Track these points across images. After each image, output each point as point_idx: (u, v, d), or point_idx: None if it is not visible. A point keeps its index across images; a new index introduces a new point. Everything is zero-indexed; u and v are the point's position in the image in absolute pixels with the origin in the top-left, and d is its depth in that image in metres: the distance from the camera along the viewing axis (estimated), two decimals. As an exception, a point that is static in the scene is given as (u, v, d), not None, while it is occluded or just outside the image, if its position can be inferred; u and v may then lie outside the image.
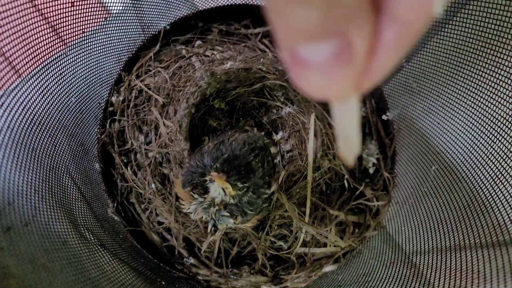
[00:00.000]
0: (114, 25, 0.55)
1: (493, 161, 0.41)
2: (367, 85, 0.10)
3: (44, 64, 0.44)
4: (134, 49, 0.61)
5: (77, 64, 0.50)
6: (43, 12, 0.42)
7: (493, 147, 0.41)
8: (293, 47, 0.08)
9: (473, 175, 0.43)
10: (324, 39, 0.08)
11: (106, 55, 0.55)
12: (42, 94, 0.44)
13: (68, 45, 0.48)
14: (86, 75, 0.52)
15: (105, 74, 0.58)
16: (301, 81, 0.09)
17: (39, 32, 0.42)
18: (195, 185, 0.40)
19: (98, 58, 0.54)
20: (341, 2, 0.07)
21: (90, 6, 0.49)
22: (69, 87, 0.50)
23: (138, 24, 0.59)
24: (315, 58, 0.08)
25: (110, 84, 0.60)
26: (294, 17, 0.08)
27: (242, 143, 0.43)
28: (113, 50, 0.56)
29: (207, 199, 0.39)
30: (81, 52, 0.50)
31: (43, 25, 0.43)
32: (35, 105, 0.43)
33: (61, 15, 0.45)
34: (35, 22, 0.42)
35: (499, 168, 0.40)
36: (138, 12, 0.58)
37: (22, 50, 0.41)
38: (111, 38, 0.55)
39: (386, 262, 0.51)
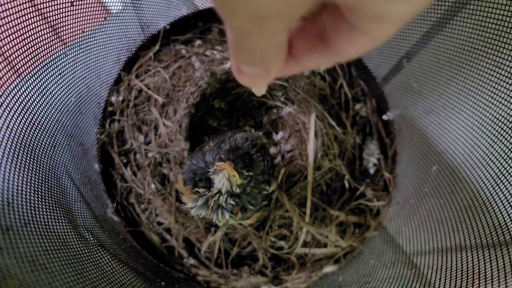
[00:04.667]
0: (113, 24, 0.54)
1: (494, 161, 0.41)
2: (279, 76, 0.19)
3: (44, 64, 0.44)
4: (134, 49, 0.61)
5: (77, 64, 0.50)
6: (43, 12, 0.42)
7: (494, 147, 0.41)
8: (239, 64, 0.16)
9: (474, 175, 0.43)
10: (256, 66, 0.16)
11: (106, 55, 0.55)
12: (41, 94, 0.44)
13: (67, 45, 0.47)
14: (85, 75, 0.52)
15: (104, 74, 0.57)
16: (238, 78, 0.17)
17: (38, 31, 0.42)
18: (197, 183, 0.40)
19: (98, 58, 0.54)
20: (270, 56, 0.15)
21: (90, 6, 0.49)
22: (69, 87, 0.49)
23: (138, 23, 0.59)
24: (249, 72, 0.16)
25: (109, 84, 0.60)
26: (246, 49, 0.15)
27: (245, 139, 0.43)
28: (112, 50, 0.56)
29: (213, 191, 0.39)
30: (80, 52, 0.50)
31: (42, 24, 0.43)
32: (34, 105, 0.43)
33: (61, 14, 0.45)
34: (34, 22, 0.41)
35: (500, 168, 0.40)
36: (138, 11, 0.57)
37: (21, 50, 0.40)
38: (110, 38, 0.54)
39: (387, 262, 0.51)
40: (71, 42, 0.48)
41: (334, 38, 0.15)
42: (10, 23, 0.39)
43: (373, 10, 0.12)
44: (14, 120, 0.40)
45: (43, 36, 0.43)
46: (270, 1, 0.12)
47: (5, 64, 0.39)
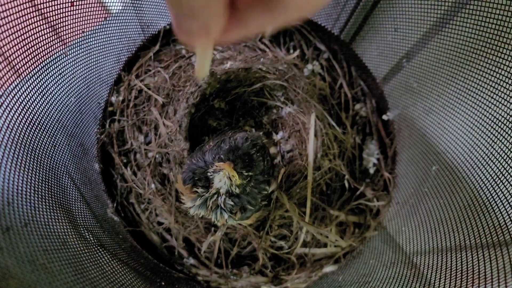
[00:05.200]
0: (113, 25, 0.54)
1: (494, 161, 0.41)
2: (226, 40, 0.17)
3: (44, 64, 0.44)
4: (134, 49, 0.61)
5: (77, 64, 0.50)
6: (43, 12, 0.42)
7: (494, 147, 0.41)
8: (179, 19, 0.15)
9: (474, 175, 0.43)
10: (194, 20, 0.15)
11: (106, 55, 0.55)
12: (41, 94, 0.44)
13: (67, 45, 0.47)
14: (85, 75, 0.52)
15: (104, 74, 0.58)
16: (178, 34, 0.16)
17: (38, 32, 0.42)
18: (196, 182, 0.41)
19: (98, 58, 0.54)
20: (207, 5, 0.14)
21: (90, 6, 0.49)
22: (69, 87, 0.50)
23: (138, 23, 0.59)
24: (186, 27, 0.15)
25: (109, 84, 0.60)
26: (183, 5, 0.14)
27: (245, 138, 0.44)
28: (112, 50, 0.56)
29: (212, 190, 0.39)
30: (80, 52, 0.50)
31: (42, 24, 0.43)
32: (34, 105, 0.43)
33: (61, 14, 0.45)
34: (34, 22, 0.42)
35: (499, 168, 0.40)
36: (138, 11, 0.58)
37: (21, 50, 0.40)
38: (110, 38, 0.55)
39: (387, 262, 0.51)
40: (71, 42, 0.48)
41: None
42: (10, 23, 0.39)
43: None
44: (14, 120, 0.40)
45: (43, 36, 0.43)
46: None
47: (5, 64, 0.39)
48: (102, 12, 0.52)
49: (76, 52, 0.49)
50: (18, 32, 0.40)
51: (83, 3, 0.47)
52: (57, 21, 0.44)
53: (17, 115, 0.40)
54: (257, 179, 0.42)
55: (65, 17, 0.45)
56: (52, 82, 0.46)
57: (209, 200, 0.39)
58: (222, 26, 0.15)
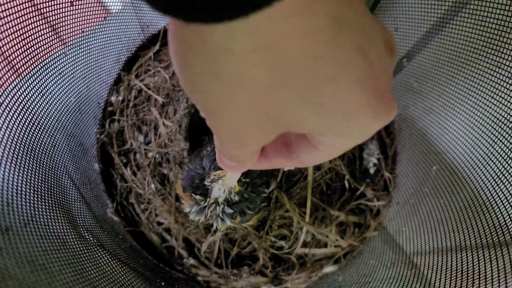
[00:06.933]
0: (113, 24, 0.54)
1: (494, 161, 0.41)
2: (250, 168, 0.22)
3: (43, 64, 0.44)
4: (134, 49, 0.61)
5: (76, 64, 0.50)
6: (43, 12, 0.42)
7: (494, 147, 0.41)
8: (222, 157, 0.20)
9: (474, 175, 0.43)
10: (234, 161, 0.19)
11: (106, 55, 0.55)
12: (41, 93, 0.44)
13: (67, 45, 0.47)
14: (85, 74, 0.52)
15: (104, 74, 0.57)
16: (220, 165, 0.21)
17: (38, 31, 0.42)
18: (194, 190, 0.41)
19: (98, 57, 0.54)
20: (245, 159, 0.19)
21: (89, 6, 0.49)
22: (68, 86, 0.49)
23: (138, 23, 0.59)
24: (228, 164, 0.20)
25: (109, 84, 0.60)
26: (228, 154, 0.19)
27: None
28: (112, 50, 0.56)
29: (210, 200, 0.39)
30: (80, 51, 0.50)
31: (42, 24, 0.42)
32: (34, 104, 0.43)
33: (61, 14, 0.45)
34: (34, 22, 0.41)
35: (500, 168, 0.40)
36: (138, 11, 0.57)
37: (21, 49, 0.40)
38: (110, 38, 0.54)
39: (387, 262, 0.51)
40: (71, 42, 0.48)
41: (296, 149, 0.19)
42: (10, 23, 0.38)
43: (327, 141, 0.17)
44: (14, 120, 0.40)
45: (43, 36, 0.43)
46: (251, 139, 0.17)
47: (5, 64, 0.39)
48: (101, 11, 0.52)
49: (76, 52, 0.49)
50: (18, 32, 0.39)
51: (82, 2, 0.47)
52: (56, 20, 0.44)
53: (17, 114, 0.40)
54: (254, 183, 0.42)
55: (64, 16, 0.45)
56: (52, 81, 0.46)
57: (207, 209, 0.39)
58: (253, 165, 0.21)
